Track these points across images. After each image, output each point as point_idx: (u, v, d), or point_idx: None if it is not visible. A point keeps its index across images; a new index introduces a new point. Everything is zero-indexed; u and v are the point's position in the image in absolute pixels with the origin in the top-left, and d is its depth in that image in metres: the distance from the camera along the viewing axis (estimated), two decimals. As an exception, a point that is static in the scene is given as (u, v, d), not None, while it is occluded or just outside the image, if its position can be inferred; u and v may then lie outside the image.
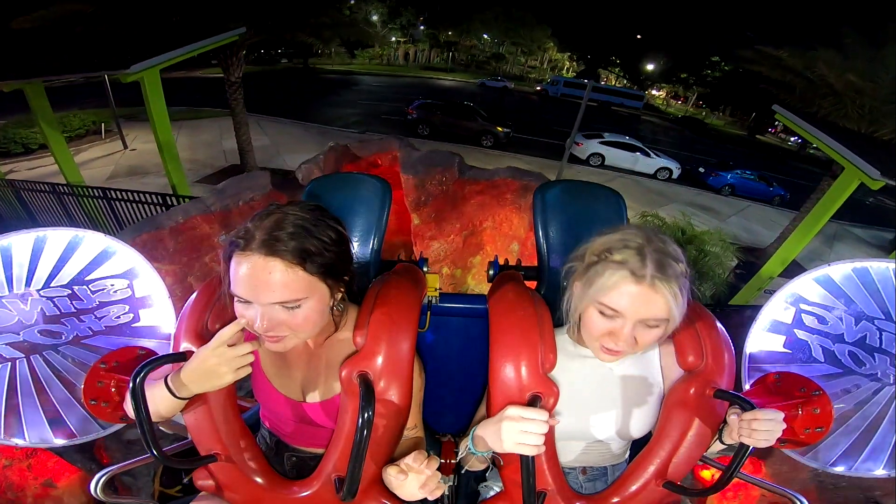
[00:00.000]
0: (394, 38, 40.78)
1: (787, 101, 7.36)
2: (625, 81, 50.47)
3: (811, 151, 34.75)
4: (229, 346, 0.78)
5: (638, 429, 0.95)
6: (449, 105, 15.67)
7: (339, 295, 0.86)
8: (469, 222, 3.13)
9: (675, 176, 14.63)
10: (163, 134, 6.85)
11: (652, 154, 14.62)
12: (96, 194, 6.22)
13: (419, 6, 41.76)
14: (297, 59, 34.84)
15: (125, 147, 11.94)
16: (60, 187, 6.63)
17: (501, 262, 1.32)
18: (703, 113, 45.47)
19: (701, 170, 14.93)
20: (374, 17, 35.71)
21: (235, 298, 0.77)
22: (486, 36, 43.30)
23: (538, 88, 36.65)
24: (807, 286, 1.24)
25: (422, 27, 43.59)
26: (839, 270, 1.24)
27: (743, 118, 43.04)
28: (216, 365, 0.78)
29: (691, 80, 47.10)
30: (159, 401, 0.83)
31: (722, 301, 5.36)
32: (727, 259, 5.08)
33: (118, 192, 6.04)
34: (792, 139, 41.48)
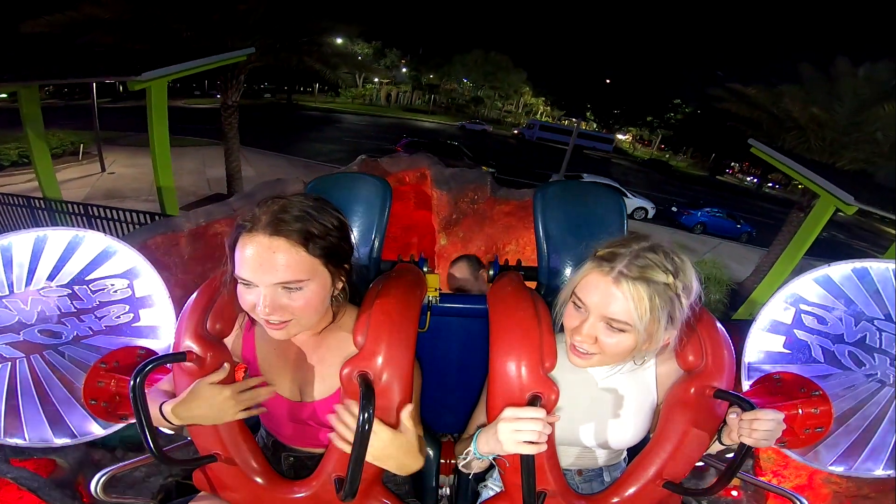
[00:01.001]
0: (377, 79, 42.17)
1: (756, 137, 7.76)
2: (595, 125, 53.48)
3: (766, 190, 37.06)
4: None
5: (618, 442, 0.95)
6: (436, 144, 16.07)
7: (340, 284, 0.87)
8: (493, 245, 3.08)
9: (650, 215, 15.21)
10: (160, 147, 6.77)
11: (629, 194, 15.14)
12: (77, 211, 5.92)
13: (403, 48, 43.70)
14: (281, 95, 35.47)
15: (103, 170, 11.64)
16: (36, 202, 6.33)
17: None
18: (667, 155, 48.41)
19: (674, 209, 15.53)
20: (359, 58, 37.03)
21: (239, 282, 0.79)
22: (465, 80, 45.32)
23: (515, 132, 38.38)
24: (806, 286, 1.23)
25: (404, 69, 45.38)
26: (839, 271, 1.23)
27: (703, 160, 45.79)
28: (228, 408, 0.84)
29: (655, 123, 50.34)
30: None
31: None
32: (722, 285, 5.26)
33: (101, 210, 5.72)
34: (748, 179, 44.20)
